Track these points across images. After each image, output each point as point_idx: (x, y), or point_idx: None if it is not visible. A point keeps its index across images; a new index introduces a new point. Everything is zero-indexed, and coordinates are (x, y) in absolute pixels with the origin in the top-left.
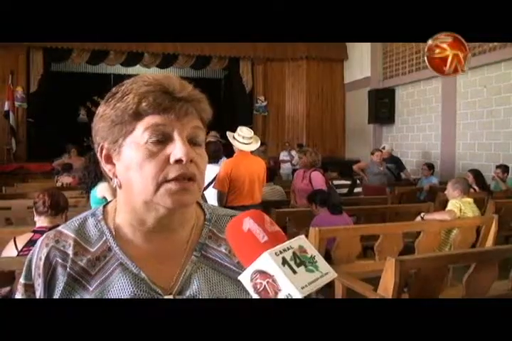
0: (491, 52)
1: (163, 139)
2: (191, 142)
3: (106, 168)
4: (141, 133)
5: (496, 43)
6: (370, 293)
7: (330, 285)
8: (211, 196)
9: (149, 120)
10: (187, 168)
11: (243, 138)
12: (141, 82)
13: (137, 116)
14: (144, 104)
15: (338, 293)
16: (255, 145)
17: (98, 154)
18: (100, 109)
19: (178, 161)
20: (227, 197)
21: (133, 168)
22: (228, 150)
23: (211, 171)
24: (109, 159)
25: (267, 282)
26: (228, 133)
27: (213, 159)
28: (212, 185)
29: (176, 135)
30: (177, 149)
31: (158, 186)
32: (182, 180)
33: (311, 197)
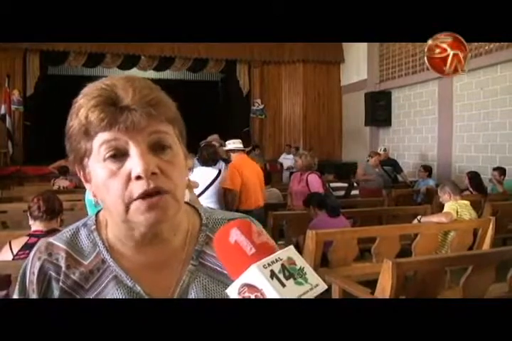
0: (487, 55)
1: (119, 154)
2: (156, 148)
3: (87, 187)
4: (97, 151)
5: (492, 46)
6: (367, 296)
7: (327, 289)
8: (209, 199)
9: (100, 137)
10: (151, 183)
11: (233, 143)
12: (91, 93)
13: (89, 134)
14: (91, 121)
15: (335, 296)
16: (238, 144)
17: (78, 174)
18: (67, 124)
19: (139, 178)
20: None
21: (101, 187)
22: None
23: (209, 174)
24: (85, 179)
25: (255, 296)
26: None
27: (210, 162)
28: (222, 185)
29: (131, 148)
30: (134, 164)
31: (126, 206)
32: (148, 197)
33: (307, 200)
